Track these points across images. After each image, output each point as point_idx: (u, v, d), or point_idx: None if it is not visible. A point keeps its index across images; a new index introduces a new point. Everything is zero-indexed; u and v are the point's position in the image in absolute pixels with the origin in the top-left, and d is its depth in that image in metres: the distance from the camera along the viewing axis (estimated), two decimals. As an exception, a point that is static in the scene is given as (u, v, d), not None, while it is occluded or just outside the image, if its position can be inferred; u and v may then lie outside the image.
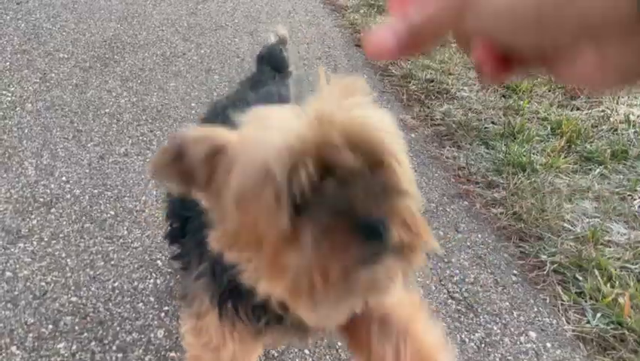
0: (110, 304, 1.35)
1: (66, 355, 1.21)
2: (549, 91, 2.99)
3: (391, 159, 0.67)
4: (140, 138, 2.05)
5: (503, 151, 2.30)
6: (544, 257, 1.75)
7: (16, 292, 1.35)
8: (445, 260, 1.70)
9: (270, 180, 0.63)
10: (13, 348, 1.21)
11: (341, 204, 0.62)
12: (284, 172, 0.62)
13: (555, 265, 1.72)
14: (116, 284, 1.41)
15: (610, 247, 1.81)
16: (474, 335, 1.45)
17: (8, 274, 1.39)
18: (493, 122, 2.58)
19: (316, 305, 0.66)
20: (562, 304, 1.59)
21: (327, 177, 0.63)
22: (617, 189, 2.14)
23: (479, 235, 1.83)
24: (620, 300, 1.56)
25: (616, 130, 2.52)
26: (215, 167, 0.69)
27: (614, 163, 2.31)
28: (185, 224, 0.96)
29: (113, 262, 1.48)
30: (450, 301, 1.55)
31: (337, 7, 4.10)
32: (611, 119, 2.61)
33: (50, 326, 1.27)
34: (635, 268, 1.71)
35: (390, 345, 0.88)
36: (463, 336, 1.44)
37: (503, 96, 2.87)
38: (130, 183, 1.79)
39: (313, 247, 0.62)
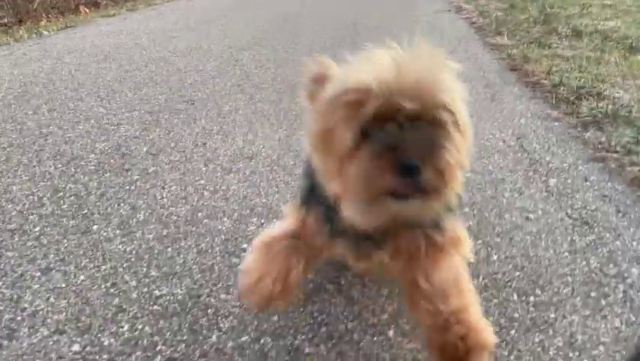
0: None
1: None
2: None
3: (446, 116, 0.84)
4: (316, 127, 2.65)
5: (650, 129, 2.35)
6: (677, 197, 1.81)
7: (226, 191, 1.95)
8: (569, 195, 1.87)
9: (348, 103, 0.84)
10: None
11: (393, 143, 0.80)
12: (358, 102, 0.82)
13: (688, 202, 1.77)
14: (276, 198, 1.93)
15: None
16: (585, 238, 1.61)
17: (224, 188, 2.01)
18: (645, 112, 2.62)
19: (357, 209, 0.88)
20: (688, 227, 1.65)
21: (391, 119, 0.82)
22: None
23: (609, 184, 1.96)
24: None
25: None
26: (322, 86, 0.93)
27: None
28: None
29: (281, 187, 2.02)
30: (566, 219, 1.72)
31: (497, 46, 4.44)
32: None
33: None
34: None
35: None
36: (573, 238, 1.61)
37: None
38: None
39: (365, 165, 0.81)
